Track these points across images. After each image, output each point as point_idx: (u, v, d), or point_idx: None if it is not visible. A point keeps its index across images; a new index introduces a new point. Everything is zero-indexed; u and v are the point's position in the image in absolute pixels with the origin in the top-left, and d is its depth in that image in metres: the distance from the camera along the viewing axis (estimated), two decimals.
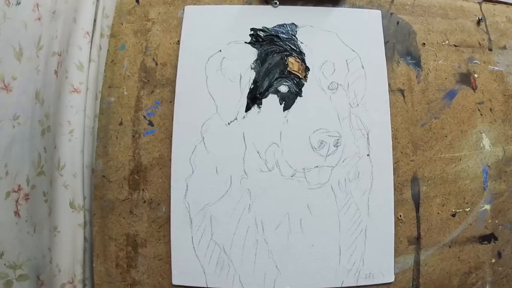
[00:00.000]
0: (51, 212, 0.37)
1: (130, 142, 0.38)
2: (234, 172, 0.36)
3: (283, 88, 0.37)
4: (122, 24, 0.40)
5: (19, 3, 0.36)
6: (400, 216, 0.36)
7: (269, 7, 0.39)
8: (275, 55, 0.38)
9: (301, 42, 0.38)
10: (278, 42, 0.38)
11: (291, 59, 0.38)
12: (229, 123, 0.37)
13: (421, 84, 0.39)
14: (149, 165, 0.37)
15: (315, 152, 0.36)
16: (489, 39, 0.41)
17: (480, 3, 0.41)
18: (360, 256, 0.35)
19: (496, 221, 0.37)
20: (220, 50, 0.38)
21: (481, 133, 0.38)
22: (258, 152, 0.36)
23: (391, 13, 0.40)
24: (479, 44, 0.40)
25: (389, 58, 0.39)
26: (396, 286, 0.35)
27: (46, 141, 0.39)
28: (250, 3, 0.40)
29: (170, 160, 0.36)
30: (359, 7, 0.40)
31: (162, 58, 0.39)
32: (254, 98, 0.37)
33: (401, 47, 0.39)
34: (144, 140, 0.38)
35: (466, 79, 0.39)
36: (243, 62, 0.38)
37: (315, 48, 0.38)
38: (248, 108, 0.37)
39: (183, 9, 0.40)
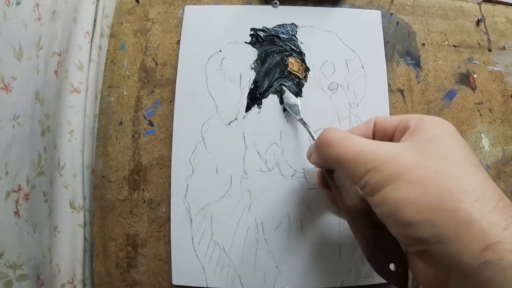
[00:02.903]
0: (51, 212, 0.37)
1: (130, 142, 0.38)
2: (234, 172, 0.36)
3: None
4: (122, 24, 0.40)
5: (19, 3, 0.36)
6: None
7: (269, 7, 0.39)
8: (275, 55, 0.38)
9: (301, 42, 0.38)
10: (278, 42, 0.38)
11: (291, 59, 0.38)
12: (229, 123, 0.37)
13: (420, 85, 0.39)
14: (149, 165, 0.37)
15: None
16: (489, 40, 0.41)
17: (479, 4, 0.41)
18: (360, 256, 0.35)
19: None
20: (220, 50, 0.38)
21: (481, 133, 0.39)
22: (258, 152, 0.36)
23: (391, 13, 0.40)
24: (479, 44, 0.40)
25: (389, 58, 0.39)
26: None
27: (46, 141, 0.39)
28: (250, 3, 0.40)
29: (170, 160, 0.36)
30: (359, 7, 0.40)
31: (162, 58, 0.39)
32: (254, 98, 0.37)
33: (401, 47, 0.39)
34: (144, 140, 0.38)
35: (465, 79, 0.39)
36: (243, 62, 0.38)
37: (315, 48, 0.38)
38: (248, 108, 0.37)
39: (183, 9, 0.40)
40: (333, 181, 0.28)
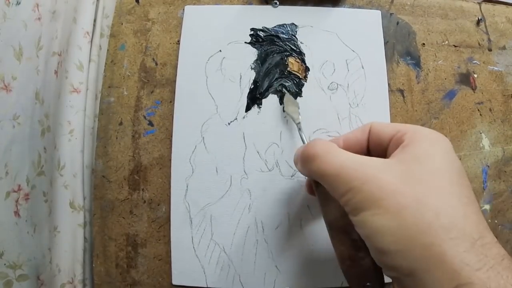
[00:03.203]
0: (51, 212, 0.37)
1: (130, 142, 0.38)
2: (234, 172, 0.36)
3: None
4: (122, 24, 0.40)
5: (19, 3, 0.36)
6: None
7: (269, 7, 0.39)
8: (275, 55, 0.38)
9: (301, 42, 0.38)
10: (278, 42, 0.38)
11: (291, 59, 0.38)
12: (229, 123, 0.37)
13: (420, 84, 0.39)
14: (149, 165, 0.37)
15: None
16: (489, 40, 0.41)
17: (479, 4, 0.41)
18: None
19: (496, 221, 0.37)
20: (220, 50, 0.38)
21: (481, 133, 0.39)
22: (258, 152, 0.36)
23: (391, 13, 0.40)
24: (479, 44, 0.40)
25: (389, 58, 0.39)
26: None
27: (46, 141, 0.39)
28: (250, 3, 0.40)
29: (170, 160, 0.36)
30: (359, 7, 0.40)
31: (162, 58, 0.39)
32: (254, 98, 0.37)
33: (401, 47, 0.39)
34: (144, 140, 0.38)
35: (465, 79, 0.39)
36: (243, 62, 0.38)
37: (315, 48, 0.38)
38: (248, 108, 0.37)
39: (183, 9, 0.40)
40: (317, 192, 0.28)
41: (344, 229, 0.25)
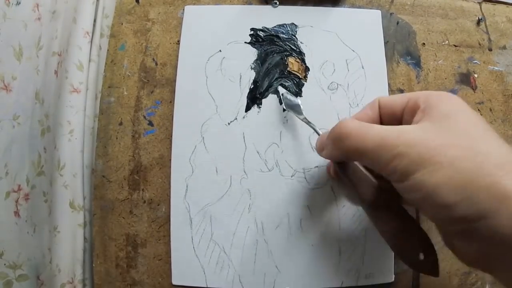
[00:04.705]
0: (51, 212, 0.37)
1: (130, 142, 0.38)
2: (234, 172, 0.36)
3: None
4: (122, 24, 0.40)
5: (19, 3, 0.36)
6: None
7: (269, 7, 0.39)
8: (275, 55, 0.38)
9: (301, 42, 0.38)
10: (278, 42, 0.38)
11: (291, 59, 0.38)
12: (229, 123, 0.37)
13: (421, 84, 0.39)
14: (149, 165, 0.37)
15: (315, 152, 0.36)
16: (489, 39, 0.41)
17: (480, 3, 0.41)
18: (360, 256, 0.35)
19: None
20: (220, 50, 0.38)
21: None
22: (258, 152, 0.36)
23: (391, 13, 0.40)
24: (479, 44, 0.40)
25: (389, 58, 0.39)
26: (396, 286, 0.35)
27: (46, 141, 0.39)
28: (250, 3, 0.40)
29: (170, 160, 0.36)
30: (359, 7, 0.40)
31: (162, 58, 0.39)
32: (254, 98, 0.37)
33: (401, 47, 0.39)
34: (144, 140, 0.38)
35: (465, 79, 0.39)
36: (243, 62, 0.38)
37: (315, 48, 0.38)
38: (248, 108, 0.37)
39: (183, 9, 0.40)
40: (347, 175, 0.27)
41: (387, 203, 0.25)
